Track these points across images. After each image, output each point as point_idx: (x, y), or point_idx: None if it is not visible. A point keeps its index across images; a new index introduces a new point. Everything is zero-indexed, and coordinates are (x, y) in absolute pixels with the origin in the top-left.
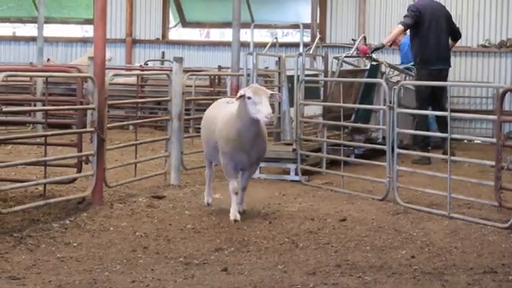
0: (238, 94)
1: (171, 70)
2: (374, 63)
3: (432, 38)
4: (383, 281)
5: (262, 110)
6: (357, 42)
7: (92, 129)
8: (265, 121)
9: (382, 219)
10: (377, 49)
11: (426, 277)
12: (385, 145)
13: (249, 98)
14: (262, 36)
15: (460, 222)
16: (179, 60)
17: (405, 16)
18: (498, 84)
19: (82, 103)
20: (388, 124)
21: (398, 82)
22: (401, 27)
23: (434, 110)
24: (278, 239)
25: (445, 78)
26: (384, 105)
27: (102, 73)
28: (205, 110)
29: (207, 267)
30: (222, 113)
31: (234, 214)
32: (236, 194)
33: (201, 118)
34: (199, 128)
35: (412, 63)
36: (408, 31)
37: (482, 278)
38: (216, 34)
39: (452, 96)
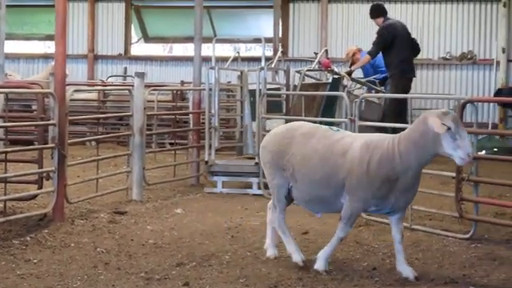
0: (438, 126)
1: (133, 86)
2: (336, 76)
3: (407, 51)
4: None
5: (464, 148)
6: (318, 56)
7: (53, 145)
8: (464, 162)
9: None
10: (349, 74)
11: None
12: None
13: (448, 128)
14: (225, 51)
15: (421, 233)
16: (140, 75)
17: (375, 42)
18: (459, 96)
19: (42, 119)
20: None
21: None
22: (368, 57)
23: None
24: (240, 253)
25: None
26: (345, 118)
27: (62, 88)
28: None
29: (168, 282)
30: (355, 147)
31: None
32: (341, 240)
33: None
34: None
35: (376, 76)
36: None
37: None
38: (179, 49)
39: (414, 108)
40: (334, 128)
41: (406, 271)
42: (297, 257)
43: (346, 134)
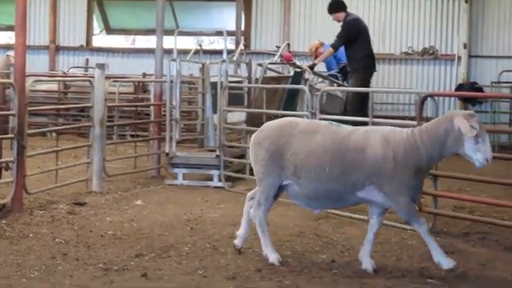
0: (466, 125)
1: (94, 77)
2: (298, 70)
3: (370, 46)
4: (303, 285)
5: (485, 152)
6: (280, 49)
7: (12, 135)
8: (483, 165)
9: (304, 224)
10: (311, 67)
11: (345, 280)
12: None
13: (474, 127)
14: (188, 43)
15: (380, 226)
16: (101, 66)
17: (339, 35)
18: (420, 90)
19: (2, 109)
20: None
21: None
22: (331, 49)
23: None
24: (200, 245)
25: None
26: (307, 111)
27: (22, 79)
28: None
29: (127, 273)
30: (374, 143)
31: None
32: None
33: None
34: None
35: (337, 70)
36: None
37: (400, 281)
38: (142, 41)
39: (375, 103)
40: (334, 123)
41: (367, 263)
42: (273, 257)
43: (351, 128)
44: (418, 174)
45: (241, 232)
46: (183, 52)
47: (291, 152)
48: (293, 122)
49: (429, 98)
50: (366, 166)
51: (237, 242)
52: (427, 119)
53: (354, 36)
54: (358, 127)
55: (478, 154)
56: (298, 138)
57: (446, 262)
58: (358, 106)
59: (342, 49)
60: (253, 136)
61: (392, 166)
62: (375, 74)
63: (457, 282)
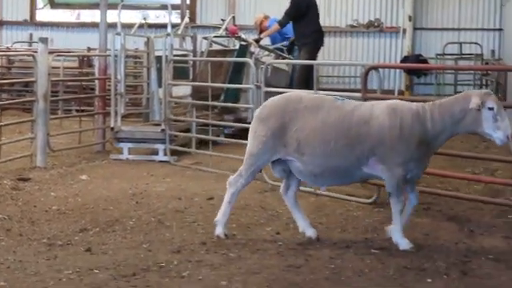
0: (475, 104)
1: (37, 51)
2: (244, 43)
3: (318, 21)
4: (247, 257)
5: (505, 129)
6: (226, 23)
7: None
8: (503, 143)
9: (249, 197)
10: (257, 41)
11: (290, 252)
12: None
13: (490, 108)
14: (134, 17)
15: (326, 198)
16: (44, 40)
17: (287, 12)
18: (365, 62)
19: None
20: (255, 103)
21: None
22: (277, 26)
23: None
24: (145, 219)
25: None
26: (252, 84)
27: None
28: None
29: (71, 248)
30: (379, 114)
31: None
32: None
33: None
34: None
35: (284, 43)
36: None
37: (344, 252)
38: (87, 15)
39: (321, 76)
40: (339, 98)
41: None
42: (219, 230)
43: (356, 103)
44: (421, 148)
45: (300, 223)
46: (128, 26)
47: (296, 128)
48: (297, 96)
49: (373, 70)
50: (371, 137)
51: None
52: (373, 91)
53: (303, 12)
54: (363, 102)
55: (498, 132)
56: (303, 114)
57: (403, 243)
58: (304, 79)
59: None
60: (257, 111)
61: (398, 135)
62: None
63: (400, 252)
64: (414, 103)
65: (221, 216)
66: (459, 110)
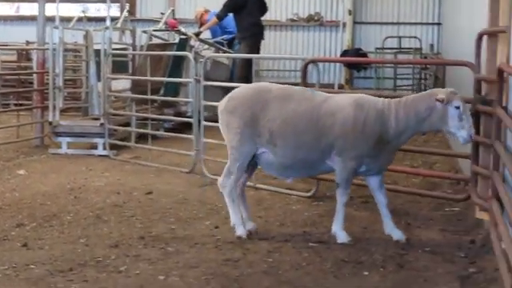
0: (441, 98)
1: None
2: (183, 37)
3: (258, 14)
4: (185, 251)
5: (469, 129)
6: (165, 16)
7: None
8: (466, 142)
9: (189, 191)
10: (197, 34)
11: (228, 246)
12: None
13: (457, 107)
14: (73, 11)
15: (265, 192)
16: None
17: (225, 4)
18: (303, 56)
19: None
20: (194, 97)
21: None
22: (216, 19)
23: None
24: (83, 213)
25: None
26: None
27: None
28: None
29: (7, 243)
30: (346, 107)
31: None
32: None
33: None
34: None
35: (224, 37)
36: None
37: (282, 245)
38: (26, 9)
39: (262, 70)
40: (308, 88)
41: (397, 234)
42: (241, 230)
43: (327, 95)
44: (380, 145)
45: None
46: (67, 19)
47: (267, 118)
48: (265, 86)
49: (313, 64)
50: (335, 130)
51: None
52: (312, 85)
53: (241, 5)
54: (332, 94)
55: (462, 130)
56: (274, 104)
57: (341, 236)
58: (245, 73)
59: (228, 17)
60: (222, 103)
61: (360, 130)
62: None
63: (338, 245)
64: (381, 100)
65: (234, 217)
66: (425, 107)
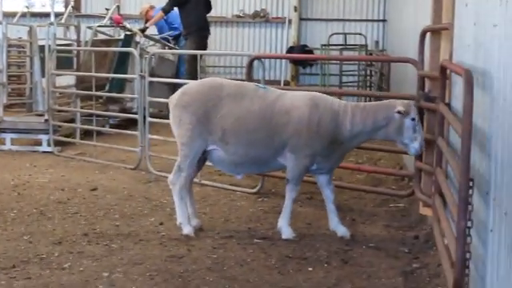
0: (401, 109)
1: None
2: (128, 33)
3: (202, 9)
4: (130, 247)
5: (420, 141)
6: (110, 12)
7: None
8: (418, 152)
9: (134, 188)
10: (143, 30)
11: (172, 242)
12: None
13: (413, 119)
14: (18, 6)
15: (210, 188)
16: None
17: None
18: (248, 52)
19: None
20: (139, 93)
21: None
22: (161, 13)
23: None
24: (26, 210)
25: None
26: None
27: None
28: None
29: None
30: (301, 106)
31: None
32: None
33: None
34: None
35: (170, 33)
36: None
37: (227, 241)
38: None
39: (208, 66)
40: (261, 85)
41: (342, 230)
42: (188, 229)
43: (280, 92)
44: (333, 146)
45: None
46: (11, 15)
47: (220, 115)
48: (218, 83)
49: (258, 60)
50: (289, 128)
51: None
52: (257, 81)
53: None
54: (286, 91)
55: (415, 142)
56: (227, 102)
57: (286, 232)
58: (194, 70)
59: (174, 13)
60: (175, 98)
61: (314, 130)
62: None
63: (283, 241)
64: (337, 101)
65: (180, 216)
66: (383, 117)
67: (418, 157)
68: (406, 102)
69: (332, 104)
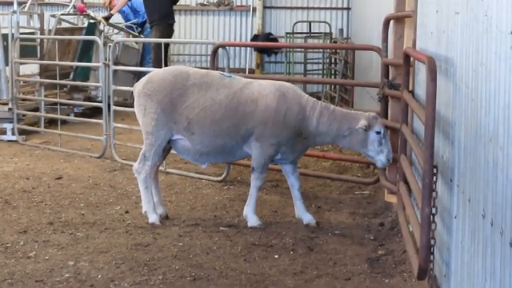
0: (363, 125)
1: None
2: (92, 21)
3: None
4: (95, 236)
5: (387, 153)
6: (73, 0)
7: None
8: (385, 165)
9: (99, 176)
10: (107, 18)
11: (138, 230)
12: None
13: (378, 132)
14: None
15: (176, 176)
16: None
17: None
18: (212, 41)
19: None
20: (104, 81)
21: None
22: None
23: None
24: None
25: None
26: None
27: None
28: None
29: None
30: (268, 95)
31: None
32: (259, 189)
33: None
34: None
35: (135, 21)
36: None
37: (193, 229)
38: None
39: (173, 54)
40: (226, 74)
41: (307, 218)
42: (153, 217)
43: (247, 81)
44: (297, 138)
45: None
46: None
47: (185, 105)
48: (183, 72)
49: (222, 49)
50: (256, 116)
51: (154, 219)
52: (222, 69)
53: None
54: (252, 80)
55: (381, 155)
56: (193, 91)
57: (252, 219)
58: (160, 59)
59: (139, 0)
60: (139, 86)
61: (280, 120)
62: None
63: (249, 229)
64: (306, 96)
65: (146, 204)
66: (346, 127)
67: None
68: (372, 115)
69: (301, 97)
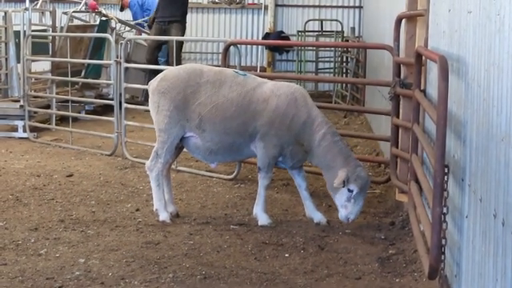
0: (337, 183)
1: None
2: (104, 19)
3: None
4: (106, 233)
5: (352, 213)
6: None
7: None
8: (341, 219)
9: (110, 174)
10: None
11: (149, 228)
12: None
13: (350, 190)
14: None
15: (187, 174)
16: None
17: None
18: (224, 38)
19: None
20: (115, 79)
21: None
22: None
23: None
24: (2, 196)
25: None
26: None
27: None
28: None
29: None
30: (280, 96)
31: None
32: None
33: None
34: None
35: (145, 19)
36: None
37: (203, 228)
38: None
39: (184, 52)
40: (241, 72)
41: (318, 217)
42: (164, 215)
43: (259, 80)
44: (298, 147)
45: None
46: None
47: (198, 102)
48: (197, 69)
49: (234, 47)
50: (265, 115)
51: (165, 217)
52: (233, 67)
53: None
54: (268, 80)
55: (344, 210)
56: (205, 88)
57: (263, 218)
58: (178, 56)
59: None
60: (153, 84)
61: (287, 124)
62: None
63: (259, 227)
64: (317, 111)
65: (157, 202)
66: (331, 166)
67: (394, 143)
68: (357, 172)
69: (312, 108)
